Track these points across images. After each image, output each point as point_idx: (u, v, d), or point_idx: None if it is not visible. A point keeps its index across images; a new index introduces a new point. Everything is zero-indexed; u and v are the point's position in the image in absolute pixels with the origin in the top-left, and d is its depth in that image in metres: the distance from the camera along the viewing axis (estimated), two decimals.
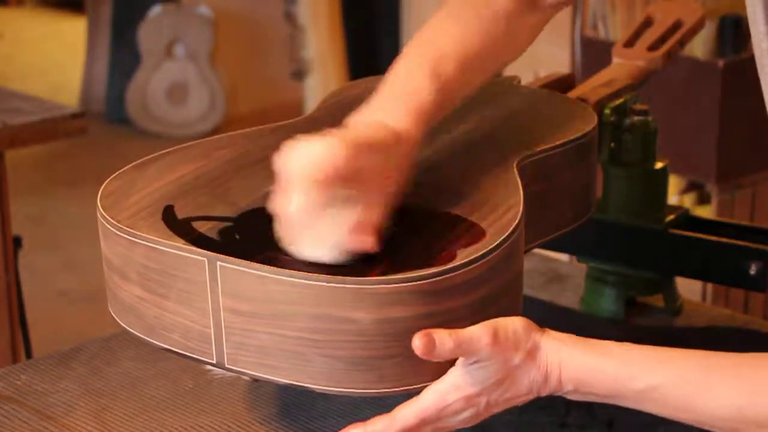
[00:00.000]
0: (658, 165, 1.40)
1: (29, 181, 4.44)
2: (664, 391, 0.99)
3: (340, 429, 1.07)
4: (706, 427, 1.00)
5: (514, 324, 0.99)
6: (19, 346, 2.23)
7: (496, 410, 1.01)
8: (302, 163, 0.98)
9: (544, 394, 1.01)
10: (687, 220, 1.42)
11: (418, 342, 0.95)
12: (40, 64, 6.25)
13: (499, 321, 0.99)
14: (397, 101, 1.08)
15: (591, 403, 1.17)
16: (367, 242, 0.99)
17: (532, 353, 0.99)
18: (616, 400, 1.01)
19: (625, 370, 0.99)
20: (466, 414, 0.99)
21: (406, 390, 0.99)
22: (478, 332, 0.97)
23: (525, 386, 1.00)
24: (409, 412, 0.99)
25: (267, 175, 1.13)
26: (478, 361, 0.98)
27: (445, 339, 0.95)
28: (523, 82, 1.38)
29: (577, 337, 1.02)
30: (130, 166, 1.15)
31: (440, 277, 0.95)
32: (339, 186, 0.98)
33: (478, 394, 0.99)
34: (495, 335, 0.97)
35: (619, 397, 1.01)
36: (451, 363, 0.99)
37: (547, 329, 1.02)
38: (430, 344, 0.95)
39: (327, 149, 0.98)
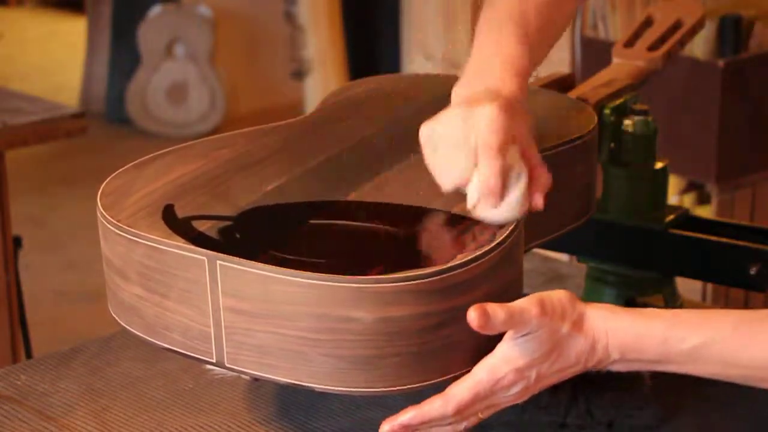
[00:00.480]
0: (658, 165, 1.40)
1: (29, 181, 4.44)
2: (714, 347, 1.00)
3: (339, 429, 1.06)
4: (753, 381, 1.02)
5: (558, 295, 1.01)
6: (19, 346, 2.23)
7: (546, 383, 1.02)
8: (479, 129, 1.01)
9: (591, 364, 1.02)
10: (687, 220, 1.42)
11: (473, 314, 0.96)
12: (40, 64, 6.25)
13: (544, 293, 1.01)
14: (501, 68, 1.10)
15: (590, 404, 1.17)
16: (542, 202, 1.05)
17: (578, 323, 1.01)
18: (662, 364, 1.02)
19: (673, 332, 1.01)
20: (517, 387, 1.00)
21: (406, 389, 0.99)
22: (527, 304, 0.99)
23: (573, 357, 1.01)
24: (463, 388, 1.00)
25: (267, 175, 1.13)
26: (528, 333, 0.99)
27: (497, 311, 0.97)
28: None
29: (618, 306, 1.03)
30: (129, 165, 1.15)
31: (440, 276, 0.95)
32: (510, 148, 1.02)
33: (529, 366, 1.00)
34: (542, 306, 0.99)
35: (666, 360, 1.02)
36: (451, 363, 0.99)
37: (591, 302, 1.03)
38: (485, 316, 0.97)
39: (493, 114, 1.01)
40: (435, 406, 1.00)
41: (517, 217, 1.03)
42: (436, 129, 1.04)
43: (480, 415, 1.02)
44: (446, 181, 1.04)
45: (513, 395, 1.01)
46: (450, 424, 1.01)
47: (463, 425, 1.02)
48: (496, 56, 1.11)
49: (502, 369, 1.00)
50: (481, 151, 1.01)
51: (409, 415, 1.00)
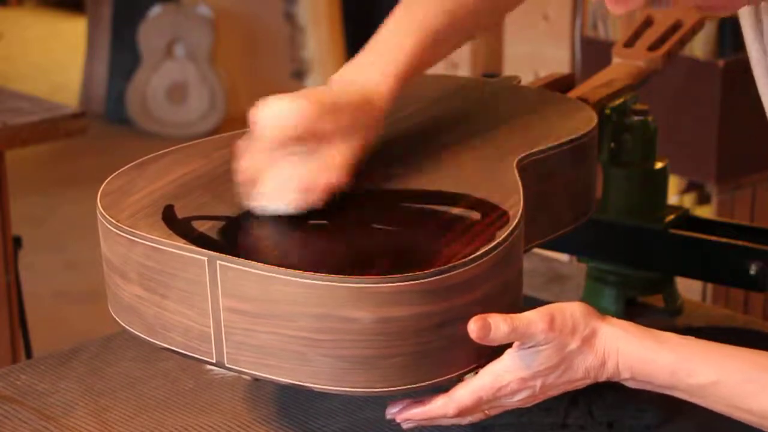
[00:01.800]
0: (658, 165, 1.40)
1: (29, 181, 4.44)
2: (722, 389, 1.00)
3: (339, 429, 1.06)
4: (763, 429, 1.02)
5: (572, 309, 1.01)
6: (19, 346, 2.23)
7: (553, 392, 1.02)
8: (266, 119, 1.04)
9: (602, 379, 1.02)
10: (687, 220, 1.42)
11: (473, 326, 0.97)
12: (40, 64, 6.25)
13: (557, 306, 1.01)
14: (376, 59, 1.11)
15: (591, 404, 1.17)
16: (312, 201, 1.03)
17: (589, 339, 1.00)
18: (673, 391, 1.02)
19: (683, 365, 1.00)
20: (521, 395, 1.01)
21: (406, 389, 0.99)
22: (535, 317, 0.99)
23: (581, 371, 1.01)
24: (466, 391, 1.01)
25: None
26: (534, 346, 0.99)
27: (500, 324, 0.97)
28: (523, 82, 1.38)
29: (637, 325, 1.03)
30: (130, 165, 1.15)
31: (440, 276, 0.95)
32: (296, 144, 1.03)
33: (533, 377, 1.00)
34: (551, 321, 0.99)
35: (676, 389, 1.02)
36: (451, 363, 0.99)
37: (607, 316, 1.03)
38: (486, 329, 0.97)
39: (291, 108, 1.03)
40: (437, 405, 1.02)
41: (285, 211, 1.04)
42: (256, 114, 1.07)
43: (486, 413, 1.03)
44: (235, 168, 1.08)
45: (517, 401, 1.02)
46: (453, 419, 1.03)
47: (467, 420, 1.03)
48: (382, 44, 1.12)
49: (506, 377, 1.00)
50: (255, 141, 1.06)
51: (412, 411, 1.03)
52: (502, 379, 1.00)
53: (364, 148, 1.08)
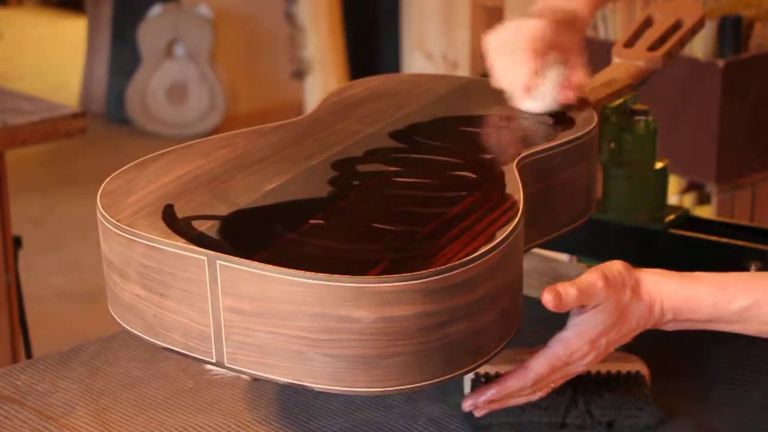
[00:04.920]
0: (658, 165, 1.40)
1: (29, 181, 4.44)
2: (761, 308, 1.08)
3: (339, 429, 1.06)
4: None
5: (615, 265, 1.08)
6: (19, 346, 2.23)
7: (611, 349, 1.09)
8: (523, 38, 1.23)
9: (649, 326, 1.09)
10: (687, 220, 1.42)
11: (548, 296, 1.04)
12: (40, 64, 6.25)
13: (603, 265, 1.08)
14: None
15: (590, 405, 1.17)
16: (572, 96, 1.25)
17: (636, 289, 1.08)
18: (713, 323, 1.09)
19: (722, 295, 1.08)
20: (589, 357, 1.08)
21: (406, 389, 0.99)
22: (593, 278, 1.06)
23: (635, 321, 1.08)
24: (540, 362, 1.07)
25: (267, 175, 1.13)
26: (596, 305, 1.06)
27: (569, 289, 1.05)
28: None
29: (670, 270, 1.11)
30: (130, 165, 1.15)
31: (440, 276, 0.95)
32: (550, 53, 1.24)
33: (600, 335, 1.07)
34: (606, 278, 1.06)
35: (716, 320, 1.09)
36: (451, 362, 0.99)
37: (642, 268, 1.10)
38: (559, 298, 1.04)
39: (538, 26, 1.24)
40: (515, 380, 1.08)
41: (552, 108, 1.25)
42: (495, 37, 1.25)
43: (553, 385, 1.10)
44: (498, 80, 1.26)
45: (586, 363, 1.08)
46: (527, 394, 1.09)
47: (537, 395, 1.10)
48: None
49: (576, 342, 1.07)
50: (520, 55, 1.23)
51: (492, 391, 1.09)
52: (573, 345, 1.07)
53: (584, 58, 1.29)
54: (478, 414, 1.12)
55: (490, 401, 1.10)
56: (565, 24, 1.27)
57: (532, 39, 1.23)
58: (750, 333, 1.10)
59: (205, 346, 1.01)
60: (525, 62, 1.23)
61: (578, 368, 1.09)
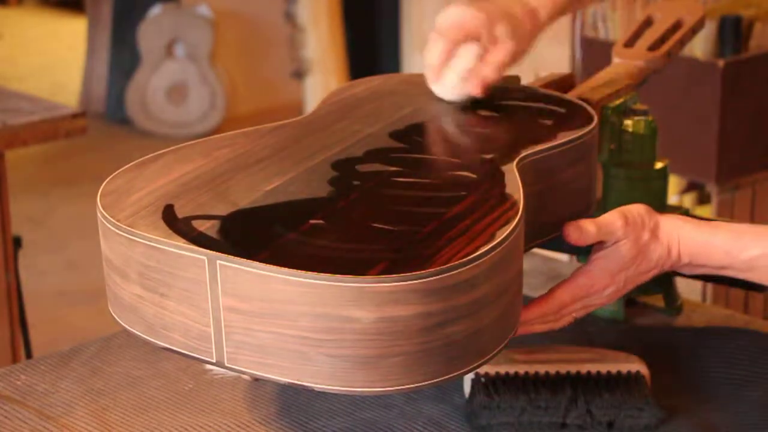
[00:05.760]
0: (658, 165, 1.40)
1: (29, 181, 4.44)
2: None
3: (339, 429, 1.06)
4: None
5: (637, 208, 1.15)
6: (19, 346, 2.23)
7: (631, 286, 1.15)
8: (446, 19, 1.25)
9: (667, 266, 1.15)
10: None
11: (571, 231, 1.13)
12: (40, 64, 6.25)
13: (624, 207, 1.15)
14: None
15: (590, 404, 1.17)
16: (474, 88, 1.24)
17: (655, 231, 1.14)
18: (725, 270, 1.15)
19: (736, 243, 1.13)
20: (609, 290, 1.14)
21: (406, 389, 0.99)
22: (613, 216, 1.13)
23: (654, 260, 1.14)
24: (563, 290, 1.14)
25: (267, 174, 1.13)
26: (616, 242, 1.13)
27: (589, 225, 1.13)
28: (523, 82, 1.38)
29: (688, 217, 1.17)
30: (130, 165, 1.15)
31: (440, 276, 0.95)
32: (462, 41, 1.24)
33: (620, 270, 1.13)
34: (626, 217, 1.13)
35: (730, 267, 1.14)
36: (451, 362, 0.99)
37: (663, 213, 1.16)
38: (578, 231, 1.12)
39: (465, 11, 1.25)
40: (541, 304, 1.13)
41: (457, 97, 1.26)
42: (438, 19, 1.26)
43: (574, 315, 1.15)
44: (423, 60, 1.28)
45: (606, 296, 1.14)
46: (550, 321, 1.14)
47: (560, 323, 1.15)
48: None
49: (597, 274, 1.13)
50: (432, 37, 1.25)
51: (521, 315, 1.11)
52: (594, 276, 1.13)
53: (517, 55, 1.28)
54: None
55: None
56: (504, 18, 1.26)
57: (447, 24, 1.24)
58: (759, 281, 1.14)
59: (205, 346, 1.01)
60: (433, 45, 1.25)
61: (598, 300, 1.14)
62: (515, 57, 1.27)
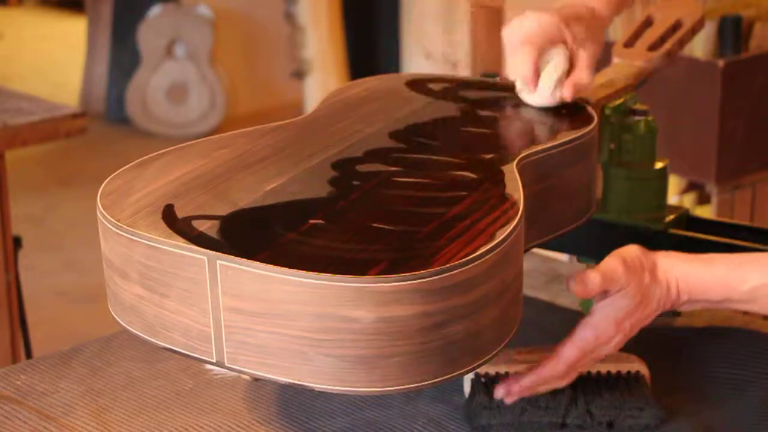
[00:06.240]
0: (658, 165, 1.40)
1: (29, 181, 4.44)
2: None
3: (339, 429, 1.06)
4: None
5: (631, 249, 1.12)
6: (19, 346, 2.23)
7: (636, 330, 1.12)
8: (514, 31, 1.26)
9: (667, 307, 1.12)
10: (687, 220, 1.42)
11: (573, 284, 1.09)
12: (40, 64, 6.25)
13: (619, 251, 1.12)
14: None
15: (590, 404, 1.17)
16: (568, 94, 1.25)
17: (653, 272, 1.12)
18: (726, 303, 1.12)
19: (734, 274, 1.11)
20: (616, 339, 1.12)
21: (406, 389, 0.99)
22: (614, 262, 1.11)
23: (655, 302, 1.12)
24: (570, 348, 1.11)
25: (267, 175, 1.13)
26: (620, 289, 1.10)
27: (592, 275, 1.09)
28: None
29: (682, 253, 1.14)
30: (130, 165, 1.15)
31: (440, 276, 0.95)
32: (546, 47, 1.25)
33: (625, 317, 1.11)
34: (625, 262, 1.11)
35: (730, 299, 1.12)
36: (451, 362, 0.99)
37: (656, 251, 1.14)
38: (583, 283, 1.09)
39: (535, 20, 1.25)
40: (548, 367, 1.12)
41: (550, 103, 1.26)
42: (508, 30, 1.27)
43: (581, 369, 1.13)
44: (507, 73, 1.29)
45: (613, 345, 1.12)
46: (557, 380, 1.13)
47: (566, 380, 1.13)
48: None
49: (603, 325, 1.11)
50: (516, 48, 1.25)
51: (528, 379, 1.13)
52: (600, 328, 1.11)
53: (597, 55, 1.29)
54: (508, 401, 1.15)
55: (522, 389, 1.13)
56: (576, 20, 1.27)
57: (528, 32, 1.24)
58: (760, 312, 1.13)
59: (205, 346, 1.01)
60: (521, 55, 1.25)
61: (605, 351, 1.12)
62: (596, 57, 1.29)
